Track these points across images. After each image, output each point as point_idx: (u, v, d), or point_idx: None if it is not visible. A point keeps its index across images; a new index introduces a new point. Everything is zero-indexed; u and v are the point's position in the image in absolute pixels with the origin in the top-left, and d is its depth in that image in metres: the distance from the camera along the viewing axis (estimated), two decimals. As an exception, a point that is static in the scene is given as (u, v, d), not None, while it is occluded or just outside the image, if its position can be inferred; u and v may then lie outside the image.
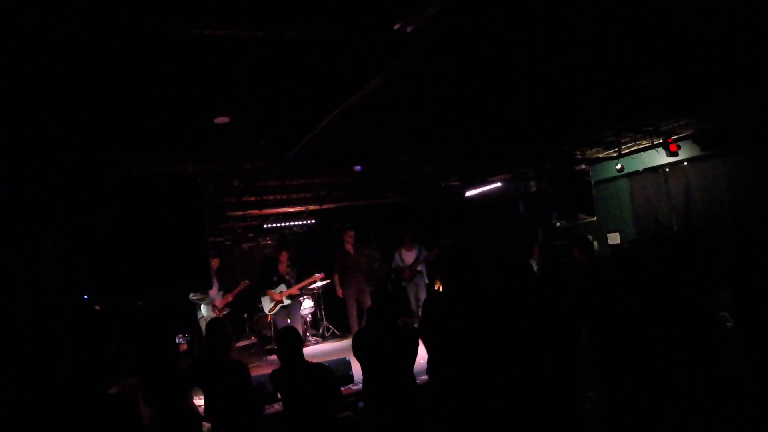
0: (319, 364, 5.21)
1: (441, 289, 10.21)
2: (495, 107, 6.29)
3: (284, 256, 10.72)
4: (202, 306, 8.92)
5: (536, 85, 5.63)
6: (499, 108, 6.32)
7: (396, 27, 3.12)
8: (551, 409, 4.24)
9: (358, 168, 7.37)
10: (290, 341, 5.06)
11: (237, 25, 3.14)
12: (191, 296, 8.86)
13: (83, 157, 5.81)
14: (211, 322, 6.06)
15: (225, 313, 9.27)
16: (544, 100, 6.22)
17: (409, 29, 3.13)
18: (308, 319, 10.99)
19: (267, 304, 10.41)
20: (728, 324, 5.47)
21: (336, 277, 10.72)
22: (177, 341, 9.69)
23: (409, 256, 10.85)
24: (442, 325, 4.49)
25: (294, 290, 10.43)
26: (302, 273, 11.16)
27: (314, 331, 11.17)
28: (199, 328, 9.00)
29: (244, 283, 9.64)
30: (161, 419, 5.50)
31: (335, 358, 7.76)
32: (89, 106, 4.56)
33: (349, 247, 10.79)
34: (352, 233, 10.90)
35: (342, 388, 6.81)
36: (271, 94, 4.65)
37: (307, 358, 5.12)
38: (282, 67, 4.05)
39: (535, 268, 6.30)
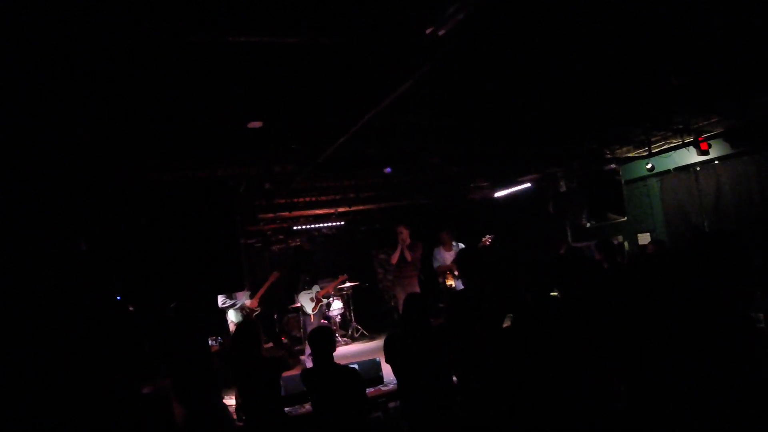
0: (347, 367, 5.24)
1: (451, 284, 10.20)
2: (524, 107, 6.28)
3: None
4: (231, 311, 9.01)
5: (565, 84, 5.62)
6: (528, 108, 6.31)
7: (428, 31, 3.15)
8: (576, 410, 4.22)
9: (388, 169, 7.38)
10: (322, 341, 5.10)
11: (269, 32, 3.19)
12: (220, 303, 8.94)
13: (118, 162, 5.92)
14: (242, 322, 6.16)
15: (256, 313, 9.34)
16: (573, 99, 6.20)
17: (440, 33, 3.15)
18: (338, 320, 11.04)
19: (308, 304, 10.48)
20: (760, 325, 5.41)
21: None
22: (209, 343, 9.84)
23: (449, 256, 10.17)
24: (465, 325, 4.50)
25: (329, 289, 10.55)
26: (331, 275, 11.27)
27: (344, 332, 11.22)
28: (230, 331, 9.10)
29: (275, 275, 9.61)
30: (193, 419, 5.59)
31: (365, 359, 7.80)
32: (125, 112, 4.65)
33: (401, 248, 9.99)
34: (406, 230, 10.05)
35: (372, 389, 6.87)
36: (303, 98, 4.70)
37: (336, 360, 5.16)
38: (314, 72, 4.09)
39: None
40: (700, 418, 4.27)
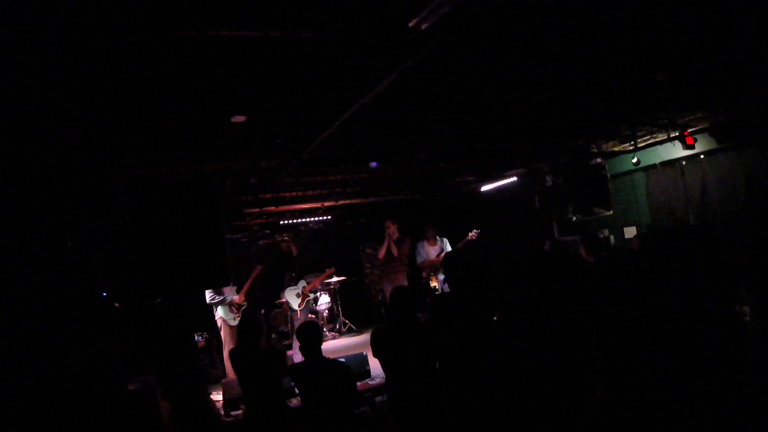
0: (336, 361, 5.24)
1: (434, 285, 10.22)
2: (509, 102, 6.29)
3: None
4: (219, 307, 8.99)
5: (552, 79, 5.62)
6: (513, 103, 6.31)
7: (411, 24, 3.13)
8: (559, 406, 4.25)
9: (373, 164, 7.37)
10: (309, 336, 5.09)
11: (251, 26, 3.17)
12: (208, 299, 8.93)
13: (102, 158, 5.88)
14: (244, 315, 6.19)
15: (244, 308, 9.33)
16: (559, 94, 6.21)
17: (423, 27, 3.14)
18: (325, 314, 11.04)
19: (295, 300, 10.48)
20: (746, 318, 5.44)
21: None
22: (195, 339, 9.82)
23: (433, 250, 10.24)
24: (451, 326, 4.51)
25: (316, 284, 10.57)
26: (318, 269, 11.29)
27: (331, 327, 11.22)
28: (217, 327, 9.08)
29: (258, 269, 9.62)
30: (179, 415, 5.57)
31: (352, 353, 7.81)
32: (110, 107, 4.61)
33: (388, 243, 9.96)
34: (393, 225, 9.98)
35: (359, 383, 6.88)
36: (288, 92, 4.68)
37: (324, 354, 5.16)
38: (297, 67, 4.08)
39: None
40: (685, 411, 4.31)
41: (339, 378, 4.98)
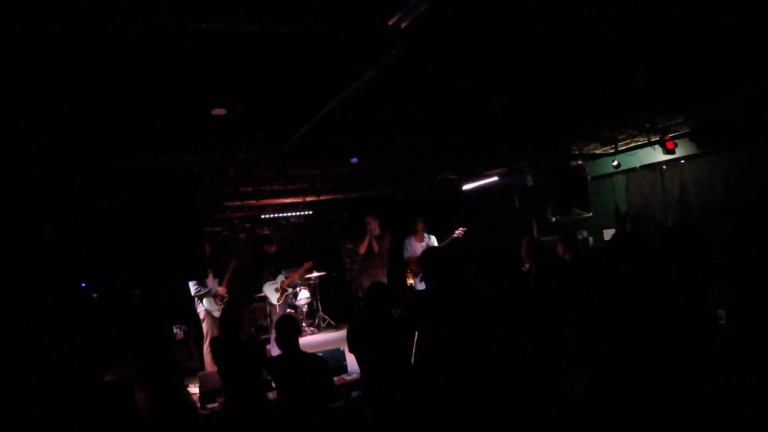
0: (314, 355, 5.26)
1: (412, 282, 10.26)
2: (490, 101, 6.32)
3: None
4: (204, 299, 8.99)
5: (532, 80, 5.66)
6: (494, 102, 6.34)
7: (390, 22, 3.15)
8: (534, 400, 4.28)
9: (354, 160, 7.38)
10: (287, 329, 5.11)
11: (231, 19, 3.17)
12: (193, 291, 8.92)
13: (81, 148, 5.85)
14: (226, 307, 6.21)
15: (226, 299, 9.34)
16: (540, 94, 6.25)
17: (403, 25, 3.16)
18: (304, 309, 11.04)
19: (273, 295, 10.51)
20: (721, 321, 5.50)
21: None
22: (173, 331, 9.81)
23: (420, 247, 10.14)
24: (427, 322, 4.54)
25: (294, 278, 10.62)
26: (298, 263, 11.32)
27: (310, 321, 11.23)
28: (198, 319, 9.07)
29: (234, 262, 9.65)
30: (155, 406, 5.57)
31: (330, 348, 7.84)
32: (87, 98, 4.59)
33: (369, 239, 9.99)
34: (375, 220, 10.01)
35: (336, 378, 6.91)
36: (267, 86, 4.68)
37: (302, 348, 5.18)
38: (277, 60, 4.08)
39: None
40: (661, 409, 4.36)
41: (315, 372, 5.00)
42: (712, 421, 4.23)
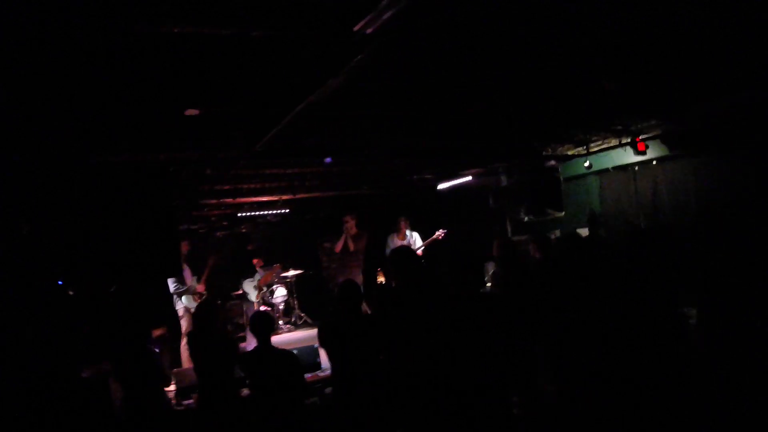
0: (285, 351, 5.34)
1: (383, 281, 10.36)
2: (463, 103, 6.42)
3: (260, 263, 11.25)
4: (183, 296, 9.03)
5: (506, 82, 5.76)
6: (467, 104, 6.45)
7: (356, 29, 3.24)
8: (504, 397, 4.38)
9: (328, 159, 7.46)
10: (260, 325, 5.19)
11: (204, 23, 3.25)
12: (172, 289, 8.95)
13: (59, 146, 5.89)
14: (201, 303, 6.27)
15: (204, 297, 9.40)
16: (512, 97, 6.36)
17: (368, 31, 3.25)
18: (281, 307, 11.09)
19: (252, 292, 10.67)
20: (691, 321, 5.62)
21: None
22: (150, 327, 9.82)
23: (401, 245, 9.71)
24: (395, 319, 4.63)
25: (267, 278, 10.76)
26: (277, 262, 11.42)
27: (287, 319, 11.26)
28: (177, 316, 9.10)
29: (212, 259, 9.73)
30: (132, 402, 5.62)
31: (304, 345, 7.90)
32: (64, 97, 4.65)
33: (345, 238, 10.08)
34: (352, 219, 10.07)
35: (309, 375, 6.99)
36: (241, 87, 4.76)
37: (278, 345, 5.26)
38: (249, 63, 4.17)
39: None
40: (631, 408, 4.46)
41: (286, 367, 5.09)
42: (683, 419, 4.33)
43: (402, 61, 4.55)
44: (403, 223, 10.46)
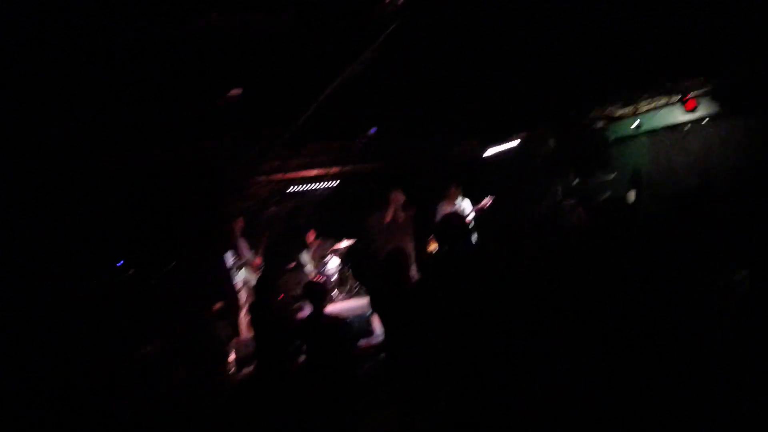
0: (337, 317, 5.50)
1: (435, 249, 10.40)
2: (509, 68, 6.38)
3: (311, 235, 11.61)
4: (242, 269, 9.28)
5: (551, 44, 5.71)
6: (513, 68, 6.40)
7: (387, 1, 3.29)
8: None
9: (372, 130, 7.51)
10: (312, 294, 5.37)
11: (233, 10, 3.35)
12: (230, 263, 9.19)
13: (111, 145, 6.14)
14: (260, 276, 6.49)
15: (262, 270, 9.65)
16: (561, 58, 6.30)
17: (400, 2, 3.29)
18: (335, 277, 11.31)
19: (308, 263, 11.03)
20: (743, 281, 5.45)
21: None
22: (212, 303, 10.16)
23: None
24: (444, 286, 4.72)
25: (321, 249, 11.11)
26: (328, 234, 11.65)
27: (342, 289, 11.48)
28: (235, 289, 9.38)
29: (266, 234, 9.98)
30: (193, 378, 5.89)
31: (358, 313, 8.10)
32: (122, 100, 4.89)
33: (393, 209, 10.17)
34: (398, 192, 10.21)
35: (363, 341, 7.18)
36: (279, 65, 4.87)
37: (333, 314, 5.44)
38: (283, 46, 4.27)
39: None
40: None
41: (338, 333, 5.26)
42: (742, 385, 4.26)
43: (441, 26, 4.54)
44: (453, 190, 10.45)
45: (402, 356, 5.02)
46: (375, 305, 5.23)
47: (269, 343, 5.54)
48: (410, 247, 10.16)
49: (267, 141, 7.10)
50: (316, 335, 5.28)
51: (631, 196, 10.01)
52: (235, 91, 5.29)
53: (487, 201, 10.28)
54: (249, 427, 5.65)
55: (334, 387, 5.19)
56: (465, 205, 10.56)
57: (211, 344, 6.70)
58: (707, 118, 9.08)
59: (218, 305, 10.20)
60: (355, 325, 6.30)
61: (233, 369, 7.45)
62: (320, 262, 11.22)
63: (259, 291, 5.84)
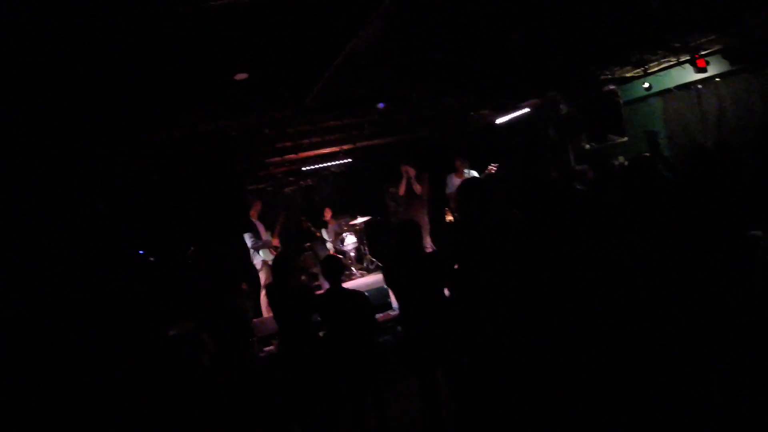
0: (355, 291, 5.59)
1: (449, 218, 10.47)
2: (516, 32, 6.34)
3: (328, 213, 11.72)
4: (260, 251, 9.42)
5: (556, 6, 5.70)
6: (520, 32, 6.36)
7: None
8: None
9: (381, 105, 7.54)
10: (329, 268, 5.46)
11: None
12: (250, 244, 9.31)
13: (126, 125, 6.22)
14: (278, 255, 6.61)
15: (279, 250, 9.78)
16: (567, 20, 6.28)
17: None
18: (353, 254, 11.43)
19: (326, 240, 11.19)
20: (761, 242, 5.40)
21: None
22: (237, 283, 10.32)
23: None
24: (460, 254, 4.78)
25: (337, 227, 11.29)
26: (345, 211, 11.79)
27: (360, 266, 11.60)
28: (256, 270, 9.53)
29: (282, 215, 10.06)
30: (222, 354, 6.03)
31: (375, 287, 8.21)
32: (134, 80, 4.96)
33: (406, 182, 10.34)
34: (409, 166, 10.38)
35: (381, 315, 7.29)
36: (284, 47, 4.92)
37: (350, 288, 5.52)
38: (288, 22, 4.31)
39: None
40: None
41: (356, 306, 5.34)
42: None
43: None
44: (459, 163, 10.53)
45: (417, 327, 5.11)
46: (388, 278, 5.29)
47: (288, 321, 5.64)
48: (425, 219, 10.27)
49: (279, 122, 7.17)
50: (334, 309, 5.37)
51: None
52: (242, 76, 5.35)
53: (491, 168, 10.31)
54: (273, 404, 5.80)
55: (355, 358, 5.29)
56: (473, 175, 10.60)
57: (237, 324, 6.83)
58: (718, 77, 8.98)
59: (243, 286, 10.40)
60: (373, 299, 6.37)
61: (257, 348, 7.61)
62: (337, 239, 11.36)
63: (276, 271, 5.93)
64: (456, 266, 4.93)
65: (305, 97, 6.21)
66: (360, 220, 11.50)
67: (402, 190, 10.26)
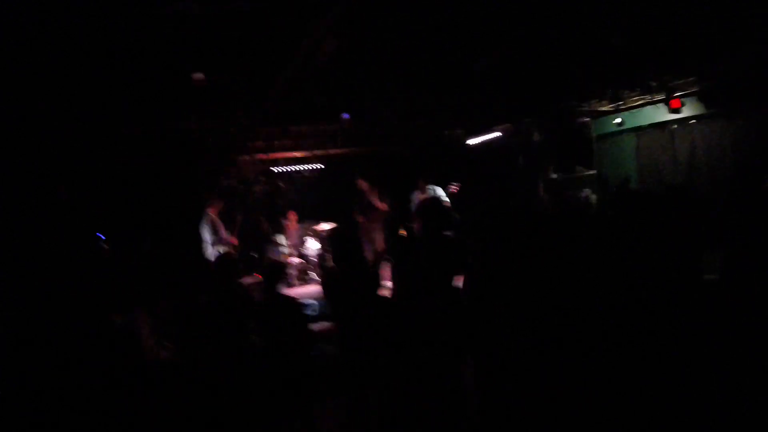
0: (290, 297, 5.51)
1: (405, 234, 10.49)
2: (495, 58, 6.35)
3: (293, 216, 11.55)
4: (218, 248, 9.31)
5: (536, 37, 5.74)
6: (499, 59, 6.38)
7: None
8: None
9: (345, 115, 7.48)
10: (270, 273, 5.39)
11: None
12: (209, 240, 9.21)
13: (95, 118, 6.16)
14: (220, 256, 6.52)
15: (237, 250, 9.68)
16: (545, 51, 6.33)
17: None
18: (314, 259, 11.34)
19: (284, 244, 11.10)
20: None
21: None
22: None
23: None
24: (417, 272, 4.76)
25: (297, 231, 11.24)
26: (312, 215, 11.72)
27: (320, 271, 11.51)
28: (211, 265, 9.44)
29: (240, 216, 9.97)
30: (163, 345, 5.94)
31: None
32: (104, 74, 4.90)
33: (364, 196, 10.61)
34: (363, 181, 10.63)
35: (328, 324, 7.19)
36: (247, 53, 4.90)
37: (304, 296, 5.42)
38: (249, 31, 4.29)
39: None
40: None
41: (290, 314, 5.27)
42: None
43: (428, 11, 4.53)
44: (421, 183, 10.56)
45: (351, 341, 5.04)
46: (324, 287, 5.25)
47: (223, 323, 5.56)
48: (381, 234, 10.42)
49: (242, 126, 7.13)
50: (269, 315, 5.30)
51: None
52: (198, 76, 5.31)
53: (453, 187, 10.35)
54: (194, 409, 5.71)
55: (287, 367, 5.22)
56: (437, 191, 10.63)
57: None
58: (693, 119, 9.03)
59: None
60: (311, 308, 6.31)
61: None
62: (299, 243, 11.27)
63: (217, 272, 5.84)
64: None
65: (266, 102, 6.17)
66: (325, 226, 11.42)
67: (382, 205, 10.36)
